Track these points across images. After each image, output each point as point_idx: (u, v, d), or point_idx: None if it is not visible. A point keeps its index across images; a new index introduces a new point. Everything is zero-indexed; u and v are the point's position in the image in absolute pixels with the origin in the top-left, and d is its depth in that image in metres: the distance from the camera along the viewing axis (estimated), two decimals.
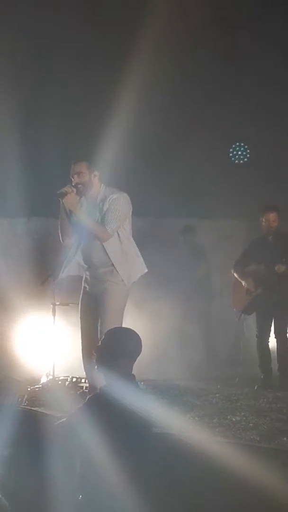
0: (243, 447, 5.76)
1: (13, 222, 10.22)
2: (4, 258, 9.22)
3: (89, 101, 10.43)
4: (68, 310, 8.25)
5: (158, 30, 9.49)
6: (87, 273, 6.81)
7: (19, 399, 6.79)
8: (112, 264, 6.60)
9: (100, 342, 4.77)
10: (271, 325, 8.43)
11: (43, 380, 7.66)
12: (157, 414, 5.93)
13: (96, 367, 4.72)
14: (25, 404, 6.84)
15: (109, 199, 6.62)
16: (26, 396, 7.00)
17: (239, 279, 8.51)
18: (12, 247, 9.86)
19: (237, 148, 11.25)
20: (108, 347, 4.67)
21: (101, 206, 6.65)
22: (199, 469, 4.87)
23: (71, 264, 6.85)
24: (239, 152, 11.23)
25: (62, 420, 4.79)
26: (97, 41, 10.53)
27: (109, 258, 6.60)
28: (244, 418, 6.77)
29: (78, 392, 7.17)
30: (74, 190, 6.63)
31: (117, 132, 8.89)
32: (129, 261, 6.69)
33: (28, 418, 5.39)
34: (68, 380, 7.49)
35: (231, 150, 11.21)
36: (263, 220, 8.43)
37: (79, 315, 6.86)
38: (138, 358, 4.69)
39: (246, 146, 11.16)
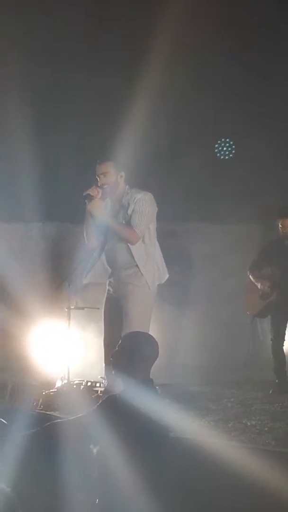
0: (259, 452, 5.76)
1: (28, 227, 10.25)
2: (19, 263, 9.23)
3: (105, 105, 10.43)
4: (83, 314, 8.27)
5: (172, 30, 9.48)
6: (111, 276, 6.78)
7: (34, 403, 6.81)
8: (137, 265, 6.56)
9: (117, 347, 4.76)
10: (286, 329, 8.41)
11: (58, 384, 7.66)
12: (173, 418, 5.95)
13: (113, 372, 4.72)
14: (40, 408, 6.85)
15: (134, 200, 6.59)
16: (41, 400, 7.01)
17: (255, 282, 8.49)
18: (27, 251, 9.88)
19: (222, 144, 11.18)
20: (125, 352, 4.66)
21: (127, 207, 6.63)
22: (215, 473, 4.87)
23: (96, 268, 6.83)
24: (225, 148, 11.17)
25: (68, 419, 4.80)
26: (112, 41, 10.53)
27: (134, 259, 6.56)
28: (259, 422, 6.76)
29: (93, 396, 7.17)
30: (100, 192, 6.60)
31: (130, 136, 8.89)
32: (153, 264, 6.65)
33: (43, 422, 5.40)
34: (83, 384, 7.49)
35: (216, 146, 11.14)
36: (280, 225, 8.41)
37: (102, 319, 6.85)
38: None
39: (231, 142, 11.08)
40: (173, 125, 10.40)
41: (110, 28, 10.38)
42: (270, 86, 10.43)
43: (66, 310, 7.93)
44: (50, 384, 7.65)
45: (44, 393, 7.31)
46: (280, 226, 8.41)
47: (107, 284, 6.85)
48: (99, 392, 7.23)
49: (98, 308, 7.92)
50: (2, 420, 5.19)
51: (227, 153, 11.09)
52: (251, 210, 10.24)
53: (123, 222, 6.61)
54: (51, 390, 7.49)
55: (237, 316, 9.39)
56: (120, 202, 6.70)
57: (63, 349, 7.93)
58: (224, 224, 10.61)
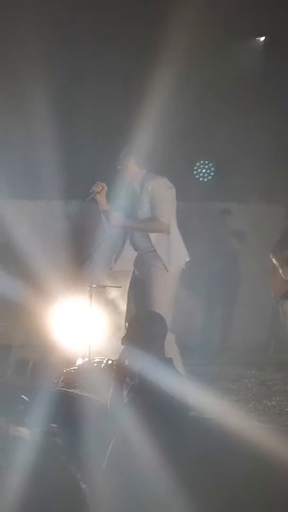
0: (279, 432, 5.76)
1: (51, 205, 10.25)
2: (41, 240, 9.25)
3: (125, 83, 10.40)
4: (105, 292, 8.28)
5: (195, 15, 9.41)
6: (136, 258, 6.84)
7: (55, 381, 6.84)
8: (154, 250, 6.59)
9: (128, 326, 4.79)
10: None
11: (79, 362, 7.68)
12: (193, 398, 5.96)
13: (128, 350, 4.74)
14: (61, 385, 6.89)
15: (148, 187, 6.60)
16: (62, 378, 7.05)
17: (277, 264, 8.44)
18: (50, 229, 9.89)
19: (201, 166, 11.14)
20: (138, 330, 4.69)
21: (139, 193, 6.65)
22: (235, 453, 4.87)
23: (123, 255, 6.88)
24: (203, 170, 11.13)
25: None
26: (132, 25, 10.49)
27: (151, 243, 6.60)
28: (280, 403, 6.76)
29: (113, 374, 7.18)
30: (104, 187, 6.69)
31: (152, 114, 8.84)
32: (171, 246, 6.65)
33: (64, 399, 5.43)
34: (104, 362, 7.51)
35: (195, 168, 11.10)
36: None
37: (127, 299, 6.90)
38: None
39: (210, 164, 11.04)
40: (196, 106, 10.34)
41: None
42: None
43: (88, 288, 7.94)
44: (71, 362, 7.67)
45: (65, 370, 7.33)
46: None
47: (133, 264, 6.89)
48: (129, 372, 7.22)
49: (120, 287, 7.95)
50: (24, 397, 5.23)
51: (206, 175, 11.07)
52: (274, 190, 10.18)
53: (141, 207, 6.63)
54: (71, 368, 7.51)
55: (259, 297, 9.37)
56: (132, 185, 6.73)
57: (84, 327, 7.95)
58: (246, 204, 10.56)
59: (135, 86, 9.79)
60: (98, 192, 6.69)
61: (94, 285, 8.01)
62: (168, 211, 6.61)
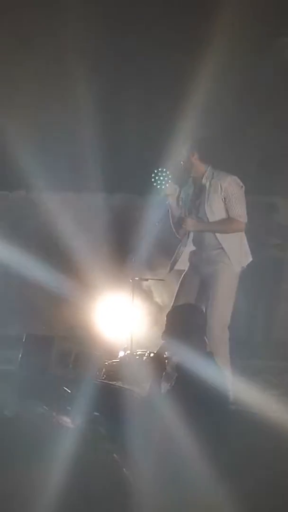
0: None
1: (94, 197, 10.28)
2: (85, 233, 9.28)
3: (168, 77, 10.37)
4: (147, 285, 8.29)
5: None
6: (198, 254, 6.80)
7: (97, 373, 6.87)
8: (222, 248, 6.59)
9: (168, 318, 4.80)
10: None
11: (121, 354, 7.71)
12: (235, 391, 5.96)
13: (168, 343, 4.77)
14: (103, 378, 6.91)
15: (222, 185, 6.59)
16: (104, 370, 7.07)
17: None
18: (93, 222, 9.92)
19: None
20: (180, 323, 4.71)
21: (210, 187, 6.62)
22: (277, 447, 4.86)
23: (184, 256, 6.87)
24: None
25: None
26: (176, 20, 10.44)
27: (219, 241, 6.60)
28: None
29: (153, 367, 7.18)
30: (177, 189, 6.75)
31: (195, 107, 8.82)
32: (238, 245, 6.68)
33: (106, 391, 5.46)
34: (146, 355, 7.52)
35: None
36: None
37: (177, 291, 6.86)
38: None
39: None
40: (240, 100, 10.29)
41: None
42: None
43: (130, 281, 7.95)
44: (113, 354, 7.70)
45: (107, 363, 7.36)
46: None
47: (189, 258, 6.87)
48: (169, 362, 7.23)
49: (163, 280, 7.95)
50: (66, 389, 5.26)
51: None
52: None
53: (214, 206, 6.61)
54: (114, 360, 7.54)
55: None
56: (200, 182, 6.71)
57: (127, 319, 7.97)
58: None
59: (181, 79, 9.76)
60: (170, 195, 6.77)
61: (136, 278, 8.03)
62: (243, 210, 6.63)
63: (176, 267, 6.92)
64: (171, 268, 6.96)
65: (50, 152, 9.58)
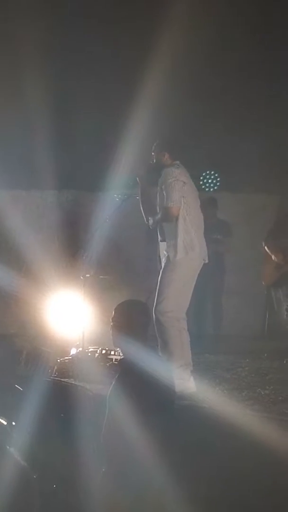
0: (273, 421, 5.77)
1: (44, 195, 10.24)
2: (35, 230, 9.24)
3: (122, 73, 10.37)
4: (98, 282, 8.27)
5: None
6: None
7: (49, 370, 6.84)
8: (170, 239, 6.78)
9: (113, 314, 4.86)
10: None
11: (73, 351, 7.68)
12: (187, 387, 5.98)
13: (115, 337, 4.81)
14: (55, 375, 6.89)
15: (161, 179, 6.82)
16: (56, 367, 7.05)
17: (270, 253, 8.47)
18: (43, 219, 9.89)
19: (207, 177, 11.13)
20: (121, 320, 4.77)
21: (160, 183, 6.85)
22: (228, 442, 4.88)
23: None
24: (209, 181, 11.13)
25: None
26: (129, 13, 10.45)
27: (164, 231, 6.84)
28: (274, 391, 6.76)
29: (108, 364, 7.19)
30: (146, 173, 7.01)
31: (147, 104, 8.84)
32: (177, 237, 6.75)
33: (58, 389, 5.43)
34: (98, 352, 7.51)
35: (201, 178, 11.11)
36: None
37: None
38: None
39: (216, 175, 11.04)
40: (191, 97, 10.32)
41: None
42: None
43: (82, 278, 7.93)
44: (65, 352, 7.67)
45: (59, 360, 7.33)
46: None
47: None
48: (113, 359, 7.25)
49: (114, 276, 7.96)
50: (18, 386, 5.22)
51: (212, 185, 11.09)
52: (267, 180, 10.17)
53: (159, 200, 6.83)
54: (66, 358, 7.51)
55: (253, 285, 9.38)
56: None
57: (78, 317, 7.95)
58: (240, 194, 10.56)
59: (131, 75, 9.76)
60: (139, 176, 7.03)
61: (87, 275, 8.01)
62: (174, 196, 6.70)
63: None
64: (159, 262, 7.10)
65: (1, 149, 9.53)
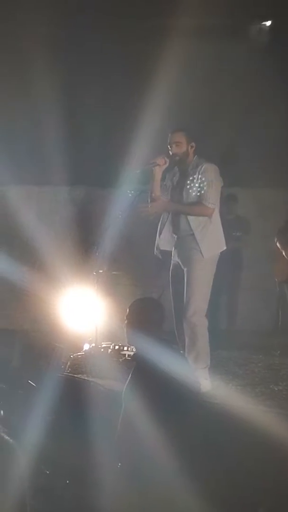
0: (285, 416, 5.76)
1: (56, 190, 10.24)
2: (47, 226, 9.25)
3: (134, 66, 10.33)
4: (111, 278, 8.27)
5: None
6: (176, 242, 6.91)
7: (62, 366, 6.84)
8: (193, 233, 6.67)
9: (127, 312, 4.87)
10: None
11: (86, 347, 7.69)
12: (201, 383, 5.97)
13: (129, 334, 4.82)
14: (68, 371, 6.89)
15: (201, 171, 6.67)
16: (68, 363, 7.05)
17: (281, 249, 8.45)
18: (55, 215, 9.89)
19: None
20: (135, 319, 4.79)
21: (193, 178, 6.71)
22: (241, 437, 4.88)
23: (164, 237, 6.98)
24: None
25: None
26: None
27: (190, 227, 6.68)
28: (287, 387, 6.75)
29: (121, 360, 7.20)
30: (167, 161, 6.72)
31: (159, 98, 8.82)
32: (208, 232, 6.71)
33: (71, 384, 5.44)
34: (111, 347, 7.51)
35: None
36: None
37: (170, 281, 7.02)
38: None
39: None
40: (203, 89, 10.28)
41: None
42: None
43: (94, 274, 7.93)
44: (78, 347, 7.68)
45: (72, 356, 7.34)
46: None
47: (173, 251, 6.97)
48: (126, 355, 7.25)
49: (127, 272, 7.96)
50: (31, 382, 5.24)
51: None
52: (280, 175, 10.13)
53: (190, 191, 6.70)
54: (79, 353, 7.52)
55: (266, 281, 9.35)
56: (187, 171, 6.78)
57: (91, 312, 7.95)
58: (252, 188, 10.52)
59: (140, 71, 9.74)
60: (158, 165, 6.72)
61: (100, 271, 8.01)
62: (215, 196, 6.68)
63: (161, 247, 7.01)
64: (156, 248, 7.05)
65: (13, 145, 9.53)
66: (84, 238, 8.89)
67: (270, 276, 8.93)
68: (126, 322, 4.87)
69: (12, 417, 4.89)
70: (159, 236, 7.00)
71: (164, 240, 6.97)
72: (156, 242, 7.04)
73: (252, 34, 10.84)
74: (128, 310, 4.88)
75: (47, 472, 4.35)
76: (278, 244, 8.51)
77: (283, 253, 8.40)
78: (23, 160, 9.34)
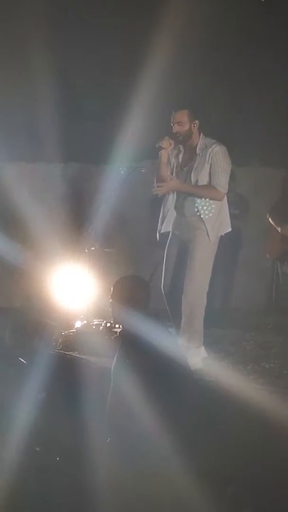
0: (277, 394, 5.77)
1: (50, 168, 10.19)
2: (40, 204, 9.21)
3: (129, 41, 10.25)
4: (104, 255, 8.26)
5: None
6: (180, 220, 6.87)
7: (54, 343, 6.84)
8: (200, 215, 6.67)
9: (112, 290, 4.86)
10: None
11: (78, 325, 7.68)
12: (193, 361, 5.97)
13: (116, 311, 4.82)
14: (59, 348, 6.89)
15: (211, 153, 6.66)
16: (60, 340, 7.06)
17: (275, 226, 8.43)
18: (49, 192, 9.84)
19: None
20: (122, 295, 4.77)
21: (203, 158, 6.69)
22: (233, 415, 4.89)
23: (168, 218, 6.94)
24: None
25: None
26: None
27: (197, 208, 6.68)
28: (278, 365, 6.76)
29: (112, 337, 7.19)
30: (172, 143, 6.70)
31: (153, 77, 8.77)
32: (216, 213, 6.73)
33: (62, 362, 5.44)
34: (102, 325, 7.51)
35: None
36: None
37: (164, 261, 6.97)
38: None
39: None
40: (198, 68, 10.22)
41: None
42: None
43: (87, 251, 7.92)
44: (70, 325, 7.68)
45: (63, 333, 7.34)
46: None
47: (172, 227, 6.94)
48: (118, 333, 7.24)
49: (119, 250, 7.94)
50: (22, 359, 5.23)
51: None
52: (274, 153, 10.10)
53: (200, 173, 6.67)
54: (70, 331, 7.52)
55: (259, 259, 9.34)
56: (194, 150, 6.75)
57: (83, 290, 7.94)
58: (246, 167, 10.49)
59: (136, 47, 9.66)
60: (164, 148, 6.71)
61: (92, 248, 7.99)
62: (226, 180, 6.69)
63: (163, 230, 6.98)
64: (159, 231, 7.01)
65: (5, 122, 9.46)
66: (77, 216, 8.86)
67: (263, 254, 8.92)
68: (111, 300, 4.86)
69: (3, 394, 4.88)
70: (163, 219, 6.98)
71: (168, 224, 6.95)
72: (158, 226, 7.01)
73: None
74: (112, 288, 4.87)
75: (38, 449, 4.35)
76: (271, 220, 8.50)
77: (278, 229, 8.38)
78: (16, 137, 9.30)
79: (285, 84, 10.23)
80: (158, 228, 6.99)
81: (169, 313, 6.86)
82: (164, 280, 6.91)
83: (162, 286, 6.89)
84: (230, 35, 10.38)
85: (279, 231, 8.37)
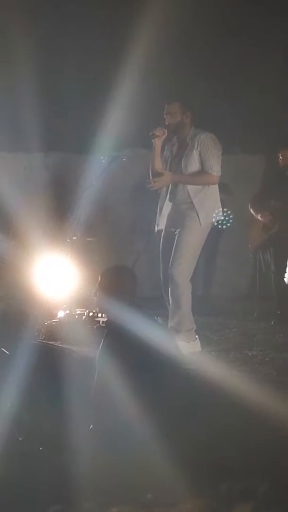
0: (260, 381, 5.79)
1: (30, 157, 10.16)
2: (21, 193, 9.17)
3: (111, 29, 10.23)
4: (85, 244, 8.25)
5: None
6: (173, 208, 6.99)
7: (36, 333, 6.84)
8: (192, 201, 6.78)
9: (99, 280, 4.87)
10: (287, 261, 8.39)
11: (60, 314, 7.67)
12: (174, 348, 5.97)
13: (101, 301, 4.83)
14: (42, 338, 6.89)
15: (198, 140, 6.81)
16: (43, 330, 7.05)
17: (256, 215, 8.45)
18: (30, 182, 9.82)
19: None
20: (108, 287, 4.79)
21: (191, 147, 6.82)
22: (215, 402, 4.90)
23: (163, 213, 7.06)
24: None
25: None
26: None
27: (189, 195, 6.77)
28: (261, 352, 6.79)
29: (95, 327, 7.19)
30: (165, 132, 6.83)
31: (134, 65, 8.75)
32: (208, 200, 6.84)
33: (45, 352, 5.43)
34: (85, 314, 7.51)
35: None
36: (280, 156, 8.41)
37: (161, 247, 7.08)
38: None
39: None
40: (177, 54, 10.21)
41: None
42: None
43: (68, 240, 7.91)
44: (52, 314, 7.67)
45: (46, 323, 7.33)
46: (280, 157, 8.40)
47: (166, 217, 7.04)
48: (101, 322, 7.24)
49: (101, 239, 7.94)
50: (4, 350, 5.22)
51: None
52: (255, 140, 10.12)
53: (189, 160, 6.81)
54: (53, 320, 7.51)
55: (241, 246, 9.37)
56: (185, 141, 6.88)
57: (65, 279, 7.93)
58: (228, 154, 10.49)
59: (118, 35, 9.62)
60: (157, 136, 6.84)
61: (74, 238, 7.99)
62: (217, 163, 6.83)
63: (160, 226, 7.08)
64: (157, 225, 7.12)
65: None
66: (59, 205, 8.84)
67: (245, 241, 8.94)
68: (97, 290, 4.87)
69: None
70: (160, 214, 7.04)
71: (163, 218, 7.03)
72: (156, 220, 7.10)
73: None
74: (99, 278, 4.88)
75: (20, 439, 4.36)
76: (252, 210, 8.52)
77: (259, 218, 8.40)
78: None
79: (266, 71, 10.24)
80: (157, 221, 7.10)
81: (165, 299, 6.98)
82: (162, 266, 7.00)
83: (161, 272, 7.01)
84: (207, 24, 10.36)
85: (260, 219, 8.39)
